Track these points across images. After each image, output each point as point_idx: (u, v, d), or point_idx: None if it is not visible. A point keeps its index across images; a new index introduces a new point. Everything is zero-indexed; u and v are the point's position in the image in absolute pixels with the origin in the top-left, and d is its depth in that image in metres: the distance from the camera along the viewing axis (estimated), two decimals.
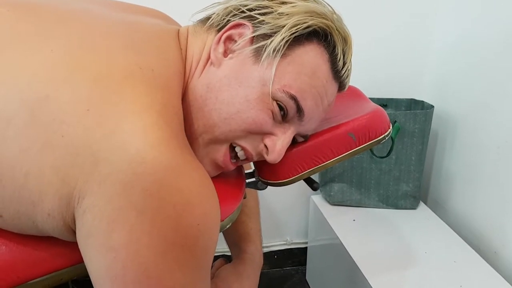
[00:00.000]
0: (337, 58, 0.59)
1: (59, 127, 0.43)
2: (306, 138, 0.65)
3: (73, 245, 0.47)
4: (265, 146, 0.59)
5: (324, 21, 0.57)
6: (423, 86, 1.40)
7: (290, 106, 0.57)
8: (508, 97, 1.05)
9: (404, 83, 1.39)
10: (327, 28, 0.57)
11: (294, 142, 0.65)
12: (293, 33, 0.55)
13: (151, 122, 0.44)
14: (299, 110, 0.57)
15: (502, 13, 1.07)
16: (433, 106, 1.23)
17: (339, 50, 0.58)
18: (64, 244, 0.49)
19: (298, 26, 0.55)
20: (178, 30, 0.62)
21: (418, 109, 1.29)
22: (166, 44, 0.57)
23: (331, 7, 0.60)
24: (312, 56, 0.57)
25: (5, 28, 0.49)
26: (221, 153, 0.59)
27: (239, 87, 0.55)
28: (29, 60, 0.46)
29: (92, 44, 0.49)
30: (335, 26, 0.58)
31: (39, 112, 0.43)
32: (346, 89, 0.63)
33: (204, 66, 0.58)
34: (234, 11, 0.58)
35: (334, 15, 0.59)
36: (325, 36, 0.58)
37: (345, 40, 0.59)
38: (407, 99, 1.33)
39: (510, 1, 1.05)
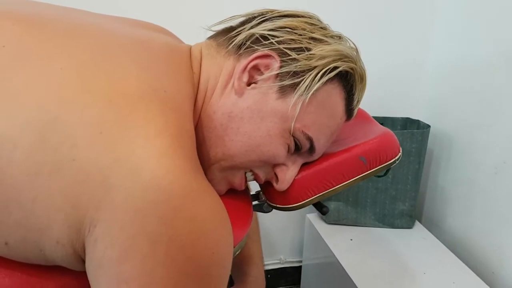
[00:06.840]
0: (353, 98, 0.60)
1: (70, 150, 0.41)
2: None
3: (81, 275, 0.44)
4: (275, 174, 0.61)
5: (351, 65, 0.57)
6: (418, 105, 1.41)
7: (305, 145, 0.58)
8: (503, 117, 1.07)
9: (399, 101, 1.40)
10: (351, 71, 0.58)
11: None
12: (325, 77, 0.55)
13: (165, 146, 0.43)
14: (312, 148, 0.59)
15: (495, 34, 1.09)
16: (429, 126, 1.24)
17: (356, 90, 0.60)
18: (71, 274, 0.47)
19: (331, 72, 0.55)
20: (190, 49, 0.60)
21: (414, 128, 1.29)
22: (177, 66, 0.55)
23: (353, 43, 0.61)
24: (333, 97, 0.58)
25: (11, 44, 0.46)
26: (238, 178, 0.61)
27: (261, 121, 0.55)
28: (37, 79, 0.44)
29: (104, 62, 0.47)
30: (358, 67, 0.59)
31: (48, 135, 0.41)
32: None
33: (223, 92, 0.57)
34: (260, 39, 0.56)
35: (356, 54, 0.59)
36: (345, 75, 0.58)
37: (362, 78, 0.60)
38: (402, 118, 1.33)
39: (502, 23, 1.07)
